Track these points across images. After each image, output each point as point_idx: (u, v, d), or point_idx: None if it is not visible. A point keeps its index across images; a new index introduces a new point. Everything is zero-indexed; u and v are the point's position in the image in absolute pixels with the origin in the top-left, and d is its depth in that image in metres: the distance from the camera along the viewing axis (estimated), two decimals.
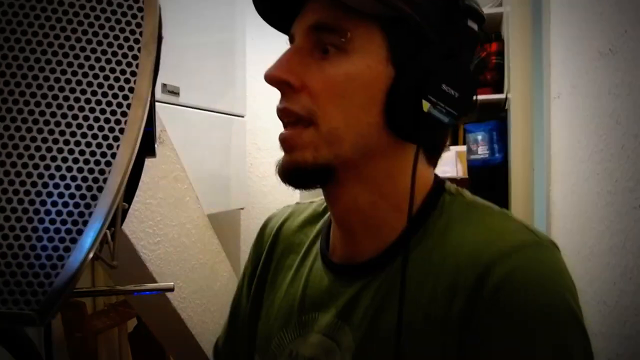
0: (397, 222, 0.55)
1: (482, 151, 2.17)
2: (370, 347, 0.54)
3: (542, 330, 0.46)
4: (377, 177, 0.54)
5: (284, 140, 0.54)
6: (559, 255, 0.50)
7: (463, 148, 2.40)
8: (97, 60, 0.39)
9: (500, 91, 2.33)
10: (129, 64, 0.39)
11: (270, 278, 0.69)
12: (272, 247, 0.71)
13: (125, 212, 0.51)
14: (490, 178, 2.15)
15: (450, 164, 2.51)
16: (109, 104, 0.38)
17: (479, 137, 2.18)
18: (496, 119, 2.16)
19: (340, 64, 0.51)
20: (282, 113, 0.54)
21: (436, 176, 0.59)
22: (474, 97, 0.52)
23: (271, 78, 0.52)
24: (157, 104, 0.53)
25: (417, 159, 0.52)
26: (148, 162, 0.55)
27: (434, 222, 0.55)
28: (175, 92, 1.52)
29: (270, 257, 0.71)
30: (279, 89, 0.53)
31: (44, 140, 0.37)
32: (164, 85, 1.47)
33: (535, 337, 0.45)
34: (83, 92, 0.38)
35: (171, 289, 0.61)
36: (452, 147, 2.55)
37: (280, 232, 0.71)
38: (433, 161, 0.58)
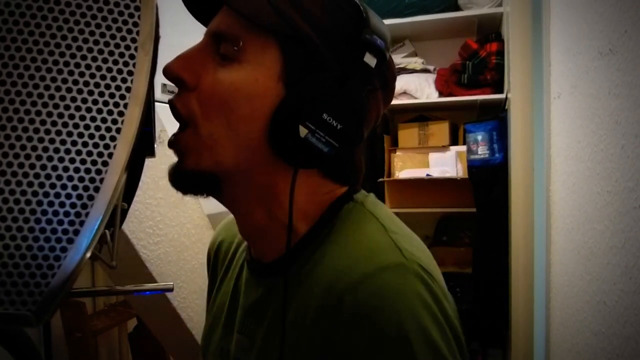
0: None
1: (482, 151, 2.17)
2: (270, 346, 0.54)
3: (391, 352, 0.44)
4: (263, 195, 0.54)
5: (170, 146, 0.54)
6: (417, 277, 0.48)
7: (463, 148, 2.40)
8: (94, 59, 0.39)
9: (500, 91, 2.33)
10: (125, 64, 0.39)
11: (216, 285, 0.72)
12: (216, 256, 0.74)
13: (124, 212, 0.51)
14: (490, 178, 2.14)
15: (450, 164, 2.51)
16: (105, 103, 0.38)
17: (479, 137, 2.18)
18: (496, 119, 2.16)
19: (230, 72, 0.51)
20: (170, 107, 0.53)
21: (351, 188, 0.58)
22: (359, 132, 0.51)
23: (168, 72, 0.51)
24: (157, 104, 0.53)
25: (294, 181, 0.51)
26: (148, 162, 0.55)
27: (326, 234, 0.54)
28: (175, 92, 1.52)
29: (215, 267, 0.73)
30: (175, 84, 0.53)
31: (40, 140, 0.37)
32: (164, 85, 1.47)
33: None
34: (79, 91, 0.38)
35: (171, 289, 0.61)
36: (452, 147, 2.55)
37: (222, 240, 0.73)
38: (343, 179, 0.57)
